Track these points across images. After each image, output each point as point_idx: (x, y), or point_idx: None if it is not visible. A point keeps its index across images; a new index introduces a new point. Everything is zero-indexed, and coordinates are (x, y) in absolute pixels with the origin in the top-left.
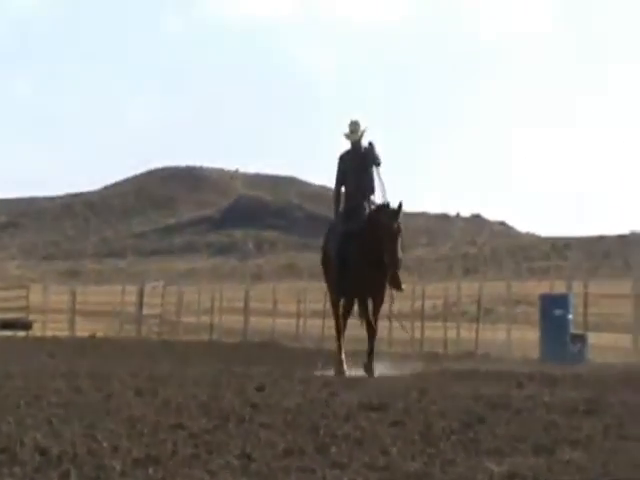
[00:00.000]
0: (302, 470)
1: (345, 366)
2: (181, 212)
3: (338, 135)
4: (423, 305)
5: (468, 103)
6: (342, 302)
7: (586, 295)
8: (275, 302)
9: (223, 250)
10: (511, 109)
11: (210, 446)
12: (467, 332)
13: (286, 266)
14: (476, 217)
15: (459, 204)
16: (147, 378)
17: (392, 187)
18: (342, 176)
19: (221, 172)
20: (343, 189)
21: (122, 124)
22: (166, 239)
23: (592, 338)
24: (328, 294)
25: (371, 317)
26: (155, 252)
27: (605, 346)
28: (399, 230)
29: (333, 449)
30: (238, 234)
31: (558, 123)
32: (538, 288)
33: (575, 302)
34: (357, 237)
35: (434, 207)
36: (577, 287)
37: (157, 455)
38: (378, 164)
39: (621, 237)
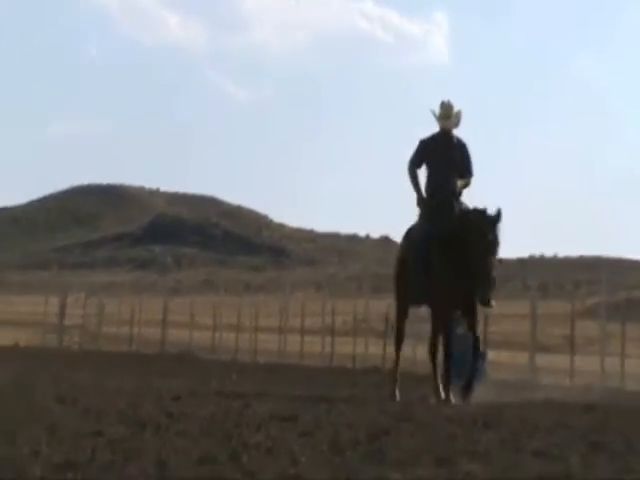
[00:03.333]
0: (215, 478)
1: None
2: (103, 228)
3: (258, 156)
4: (333, 321)
5: (370, 124)
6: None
7: (487, 314)
8: (192, 315)
9: (143, 265)
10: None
11: (127, 453)
12: (375, 348)
13: (203, 281)
14: (385, 238)
15: (369, 226)
16: (68, 386)
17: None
18: (419, 161)
19: (142, 190)
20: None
21: (45, 140)
22: (88, 253)
23: (492, 355)
24: (396, 311)
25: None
26: (78, 265)
27: (503, 362)
28: (497, 242)
29: (245, 458)
30: (158, 249)
31: None
32: None
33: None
34: (447, 240)
35: (345, 228)
36: (478, 307)
37: (76, 460)
38: (470, 171)
39: (520, 260)
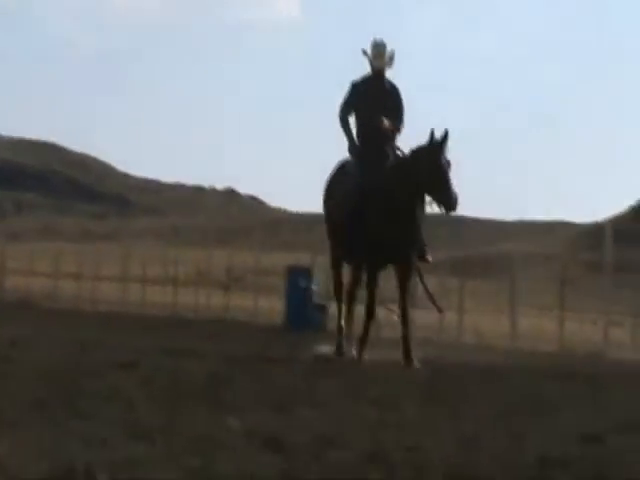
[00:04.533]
0: (46, 421)
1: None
2: None
3: (103, 106)
4: (176, 271)
5: (229, 82)
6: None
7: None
8: (32, 262)
9: None
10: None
11: None
12: (217, 299)
13: (44, 228)
14: (230, 191)
15: (214, 177)
16: None
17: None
18: (351, 105)
19: None
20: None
21: None
22: None
23: (334, 308)
24: (330, 260)
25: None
26: None
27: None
28: (448, 164)
29: (81, 403)
30: None
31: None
32: (285, 260)
33: (320, 274)
34: (380, 192)
35: (190, 179)
36: (322, 260)
37: None
38: (401, 119)
39: None
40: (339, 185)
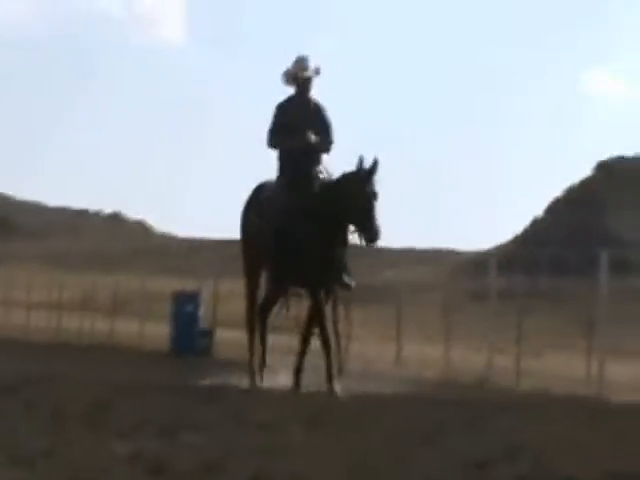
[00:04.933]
0: None
1: (260, 378)
2: None
3: None
4: (61, 295)
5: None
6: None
7: (216, 293)
8: None
9: None
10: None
11: None
12: (102, 323)
13: None
14: (115, 215)
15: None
16: None
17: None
18: (279, 127)
19: None
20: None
21: None
22: None
23: (220, 333)
24: (245, 284)
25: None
26: None
27: (231, 341)
28: (375, 195)
29: None
30: None
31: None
32: (171, 285)
33: (206, 299)
34: (310, 215)
35: (76, 202)
36: (208, 286)
37: None
38: (330, 138)
39: None
40: (260, 206)
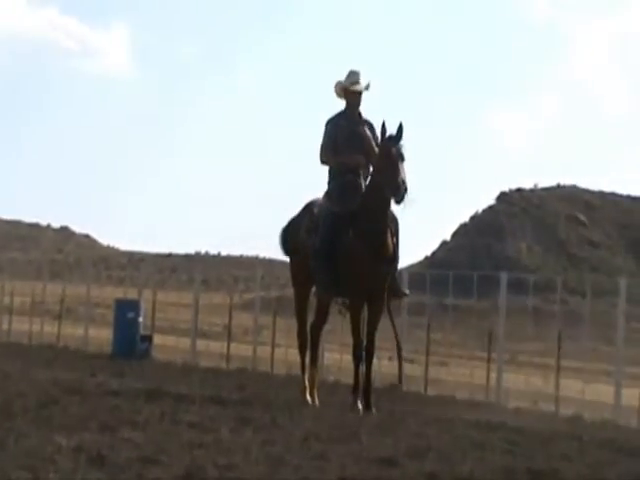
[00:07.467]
0: None
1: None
2: None
3: None
4: (12, 301)
5: (63, 130)
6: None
7: (155, 302)
8: None
9: None
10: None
11: None
12: (50, 327)
13: None
14: (64, 229)
15: (50, 216)
16: None
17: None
18: (333, 144)
19: None
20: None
21: None
22: None
23: (158, 339)
24: (295, 305)
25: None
26: None
27: (168, 346)
28: (401, 156)
29: None
30: None
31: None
32: (114, 293)
33: (145, 307)
34: (354, 220)
35: (28, 217)
36: (148, 295)
37: None
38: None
39: (187, 256)
40: (310, 223)
